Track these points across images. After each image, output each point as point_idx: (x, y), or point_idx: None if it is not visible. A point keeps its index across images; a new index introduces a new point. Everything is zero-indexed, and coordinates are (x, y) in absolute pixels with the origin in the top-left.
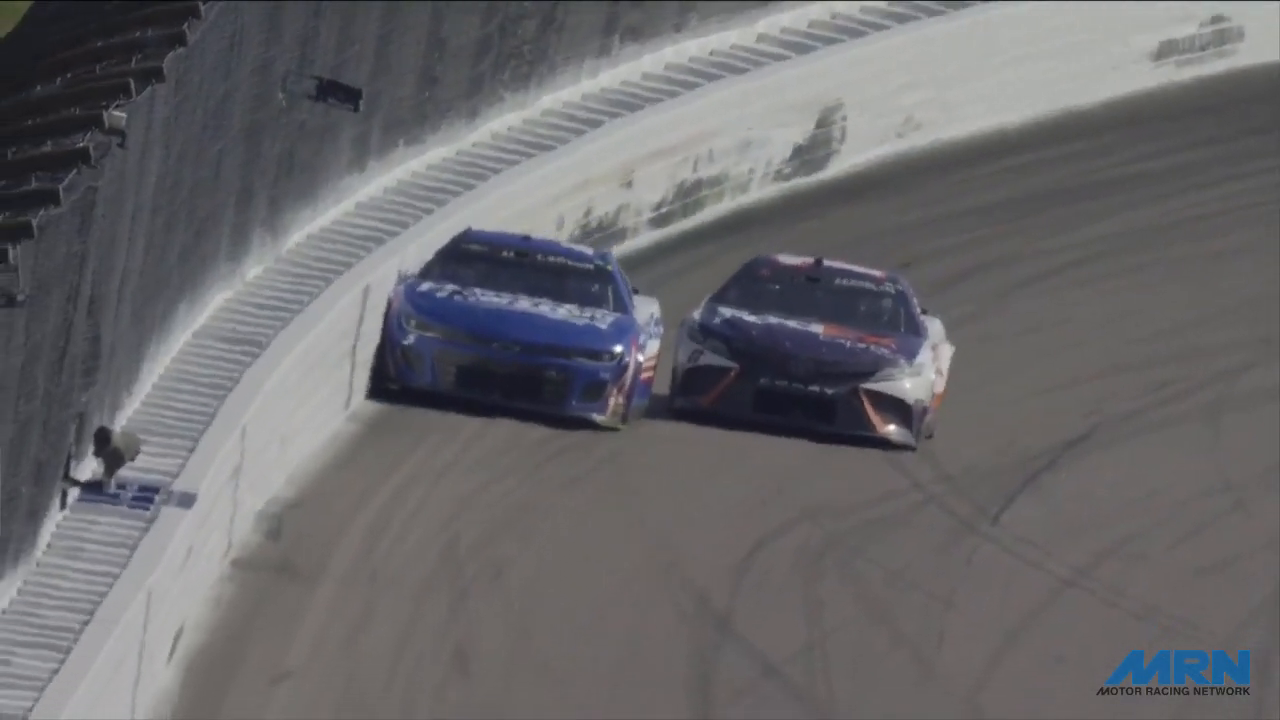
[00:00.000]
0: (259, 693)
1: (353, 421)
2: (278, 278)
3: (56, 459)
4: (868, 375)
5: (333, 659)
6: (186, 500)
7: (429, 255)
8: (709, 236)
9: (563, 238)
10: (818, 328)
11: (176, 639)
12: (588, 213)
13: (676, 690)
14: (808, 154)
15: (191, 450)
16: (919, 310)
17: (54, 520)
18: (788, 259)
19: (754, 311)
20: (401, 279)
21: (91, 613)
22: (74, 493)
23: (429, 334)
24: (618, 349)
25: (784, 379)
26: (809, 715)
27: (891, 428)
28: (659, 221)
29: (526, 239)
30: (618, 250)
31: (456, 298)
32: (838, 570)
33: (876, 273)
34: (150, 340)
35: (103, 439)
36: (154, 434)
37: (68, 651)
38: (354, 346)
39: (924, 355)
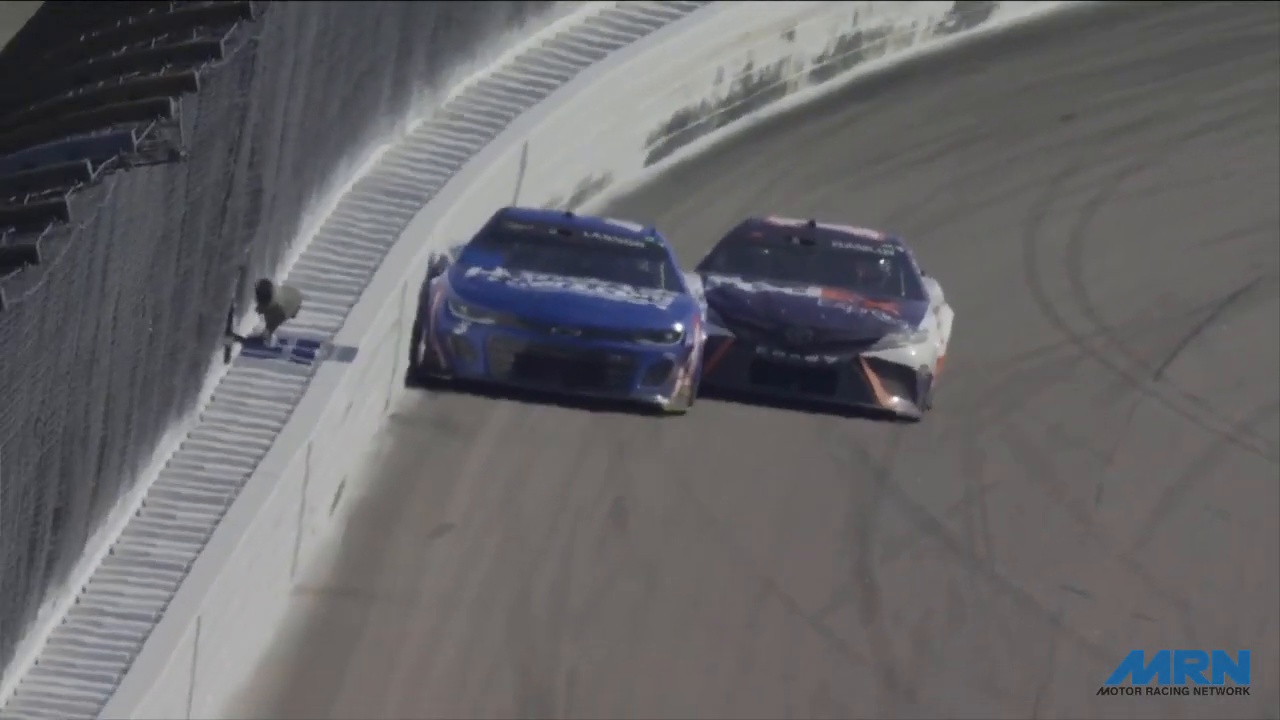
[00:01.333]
0: (419, 546)
1: None
2: (437, 131)
3: (219, 314)
4: (870, 342)
5: (492, 513)
6: (347, 355)
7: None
8: (868, 91)
9: (722, 93)
10: (815, 292)
11: (337, 493)
12: (748, 67)
13: (835, 543)
14: (970, 7)
15: (352, 305)
16: (920, 272)
17: (216, 375)
18: (779, 221)
19: (746, 278)
20: (434, 263)
21: (253, 466)
22: (236, 348)
23: (482, 321)
24: (680, 328)
25: (781, 349)
26: (967, 570)
27: (895, 398)
28: (819, 75)
29: (569, 216)
30: (776, 106)
31: (509, 282)
32: (996, 424)
33: (874, 234)
34: (311, 193)
35: (264, 294)
36: (315, 289)
37: (229, 504)
38: (514, 201)
39: (928, 320)
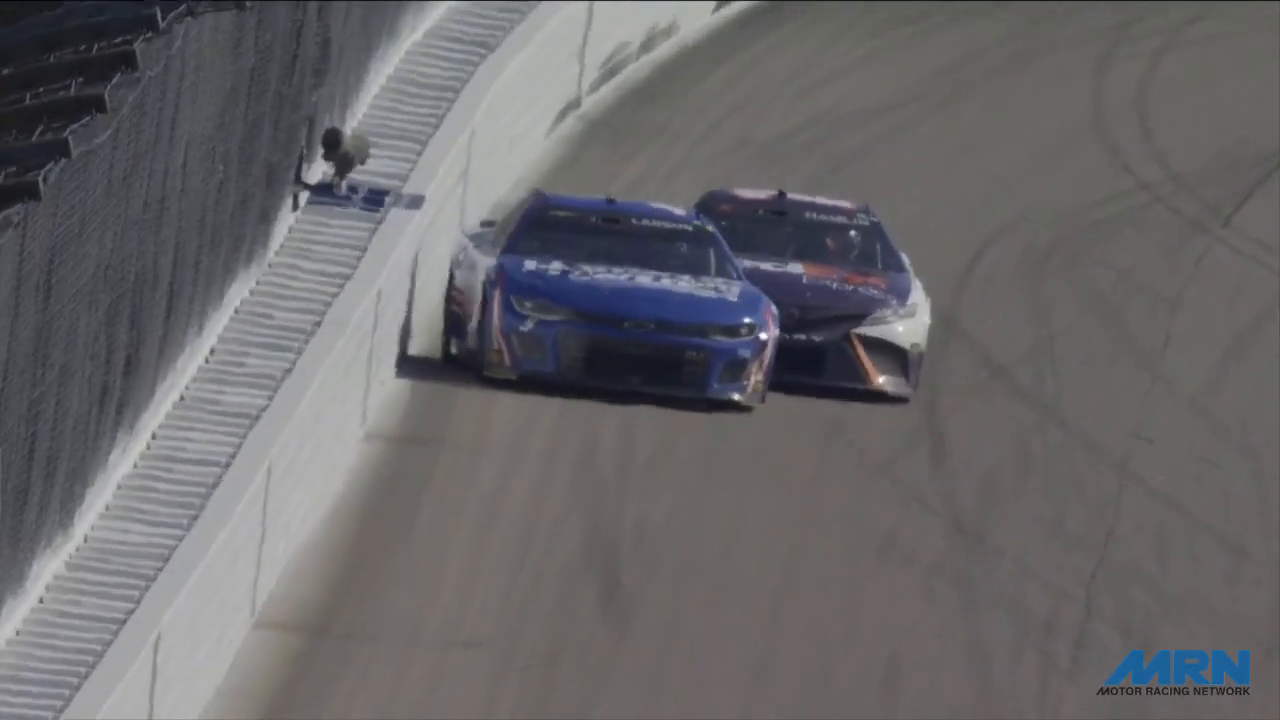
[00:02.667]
0: (487, 395)
1: (580, 121)
2: None
3: (287, 162)
4: (859, 319)
5: None
6: (415, 202)
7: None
8: None
9: None
10: (798, 268)
11: (405, 341)
12: None
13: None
14: None
15: (420, 153)
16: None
17: (285, 222)
18: (746, 192)
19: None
20: (463, 241)
21: (322, 314)
22: (305, 195)
23: (549, 317)
24: (752, 321)
25: None
26: (1036, 417)
27: (886, 377)
28: None
29: (612, 202)
30: None
31: (570, 275)
32: (1064, 271)
33: (846, 203)
34: (379, 42)
35: (333, 142)
36: (383, 137)
37: (299, 352)
38: (581, 48)
39: (916, 294)
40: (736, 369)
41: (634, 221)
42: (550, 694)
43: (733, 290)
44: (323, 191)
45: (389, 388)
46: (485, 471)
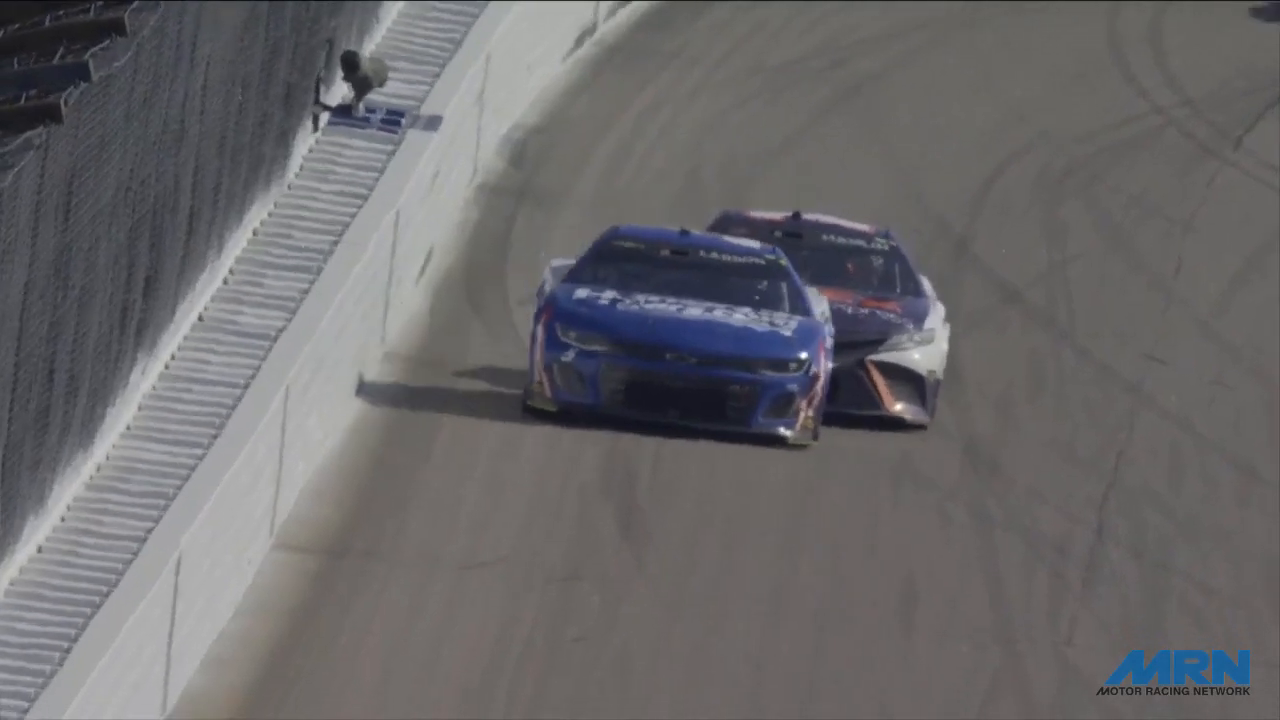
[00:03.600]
0: (505, 316)
1: (596, 46)
2: None
3: (306, 83)
4: (875, 345)
5: None
6: (433, 123)
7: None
8: None
9: None
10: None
11: (425, 262)
12: None
13: None
14: None
15: (438, 75)
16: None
17: (305, 144)
18: (760, 214)
19: None
20: (546, 273)
21: (340, 235)
22: (324, 117)
23: (591, 347)
24: (804, 356)
25: None
26: (1049, 340)
27: (902, 404)
28: None
29: (685, 234)
30: None
31: (619, 305)
32: (1078, 195)
33: (864, 226)
34: None
35: (351, 64)
36: (401, 59)
37: (318, 273)
38: None
39: (933, 320)
40: (784, 404)
41: (703, 254)
42: (569, 613)
43: (790, 324)
44: (341, 113)
45: (408, 307)
46: (505, 393)
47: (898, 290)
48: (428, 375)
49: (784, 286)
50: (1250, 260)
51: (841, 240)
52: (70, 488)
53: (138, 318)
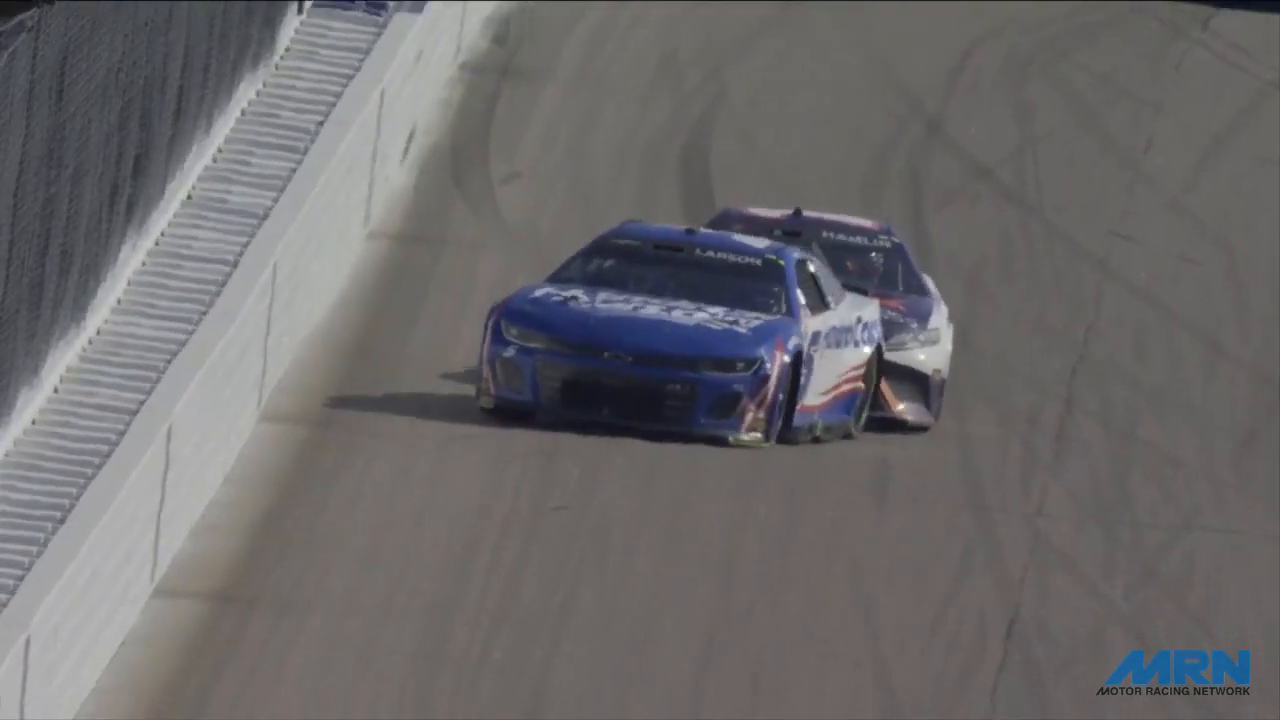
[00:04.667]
0: (488, 193)
1: None
2: None
3: None
4: None
5: (559, 160)
6: (416, 6)
7: None
8: None
9: None
10: None
11: (409, 140)
12: None
13: (892, 193)
14: None
15: None
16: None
17: (291, 25)
18: (759, 211)
19: None
20: None
21: (327, 114)
22: None
23: (530, 345)
24: (755, 356)
25: None
26: (1019, 217)
27: (905, 405)
28: None
29: (691, 232)
30: None
31: (572, 303)
32: (1047, 75)
33: (866, 223)
34: None
35: None
36: None
37: (304, 152)
38: None
39: (938, 318)
40: (727, 404)
41: (698, 253)
42: (549, 484)
43: (752, 323)
44: None
45: (393, 185)
46: (488, 264)
47: (900, 288)
48: (411, 251)
49: (776, 287)
50: (1218, 139)
51: (842, 237)
52: (63, 360)
53: (128, 196)
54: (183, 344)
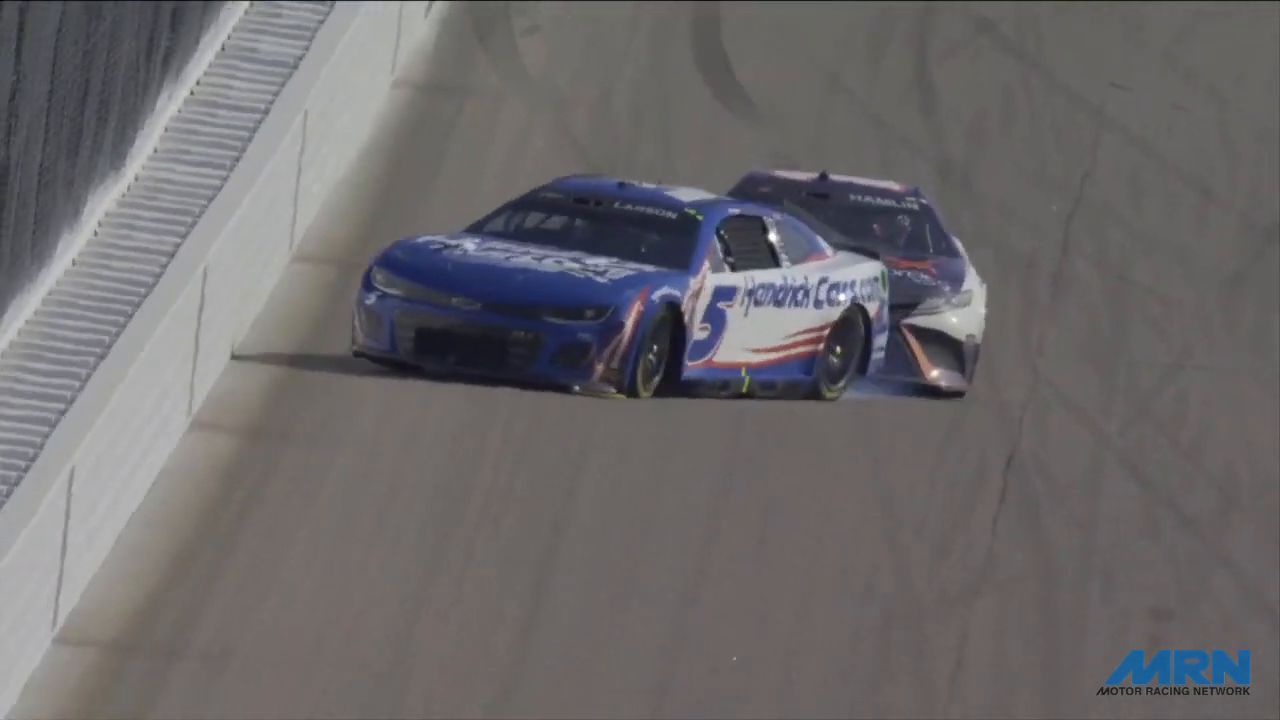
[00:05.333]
0: (511, 45)
1: None
2: None
3: None
4: (909, 308)
5: (577, 16)
6: None
7: None
8: None
9: None
10: None
11: None
12: None
13: (899, 44)
14: None
15: None
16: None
17: None
18: (786, 174)
19: None
20: None
21: None
22: None
23: (390, 291)
24: (607, 305)
25: None
26: (1019, 67)
27: (939, 370)
28: None
29: (623, 185)
30: None
31: (443, 251)
32: None
33: (894, 185)
34: None
35: None
36: None
37: (334, 2)
38: None
39: (970, 281)
40: (575, 354)
41: (615, 206)
42: None
43: (619, 273)
44: None
45: (417, 38)
46: (510, 115)
47: (930, 250)
48: (435, 101)
49: (689, 240)
50: None
51: (869, 200)
52: (102, 205)
53: (165, 47)
54: (217, 190)
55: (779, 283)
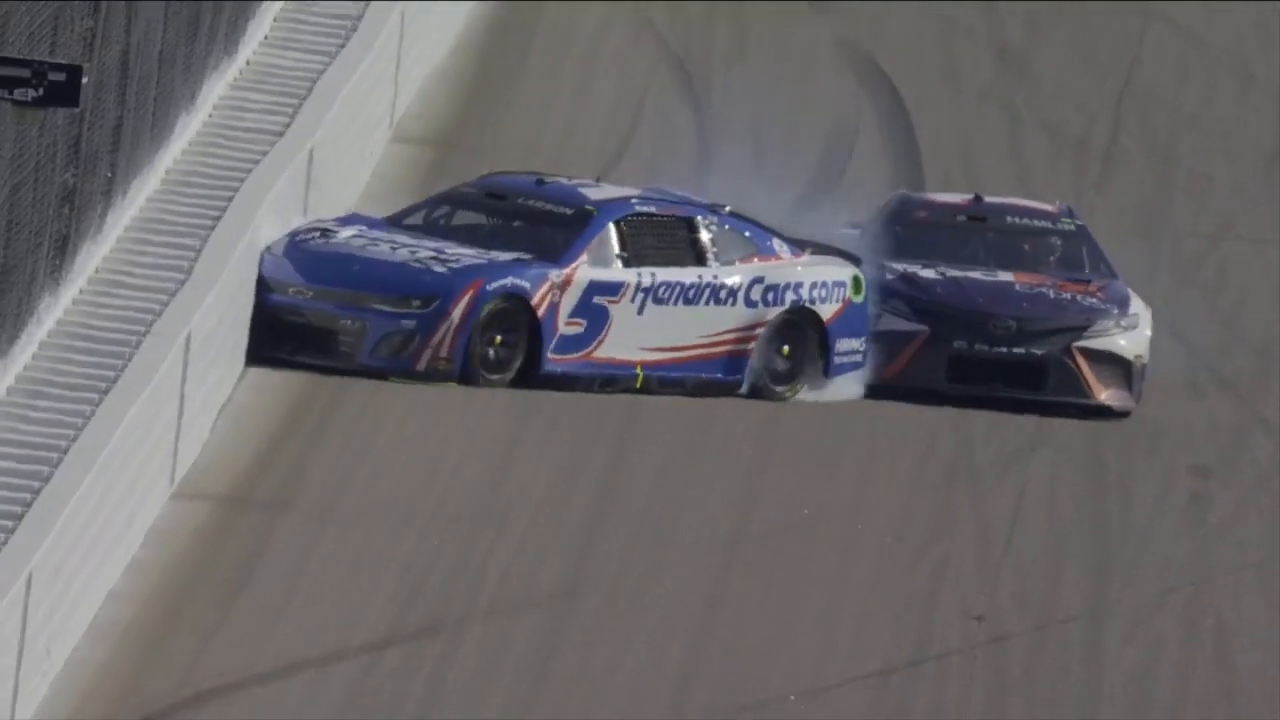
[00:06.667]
0: None
1: None
2: None
3: None
4: (1080, 330)
5: None
6: None
7: None
8: None
9: None
10: (1008, 276)
11: None
12: None
13: None
14: None
15: None
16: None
17: None
18: (941, 197)
19: (914, 260)
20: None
21: None
22: None
23: (265, 285)
24: (434, 294)
25: (983, 341)
26: None
27: (1110, 391)
28: None
29: (540, 182)
30: None
31: (310, 240)
32: None
33: (1048, 206)
34: None
35: None
36: None
37: None
38: None
39: (1136, 303)
40: (399, 343)
41: (520, 201)
42: None
43: (459, 263)
44: None
45: None
46: (590, 10)
47: (1086, 270)
48: (520, 7)
49: (575, 234)
50: None
51: (1025, 221)
52: (216, 89)
53: None
54: (321, 73)
55: (692, 281)
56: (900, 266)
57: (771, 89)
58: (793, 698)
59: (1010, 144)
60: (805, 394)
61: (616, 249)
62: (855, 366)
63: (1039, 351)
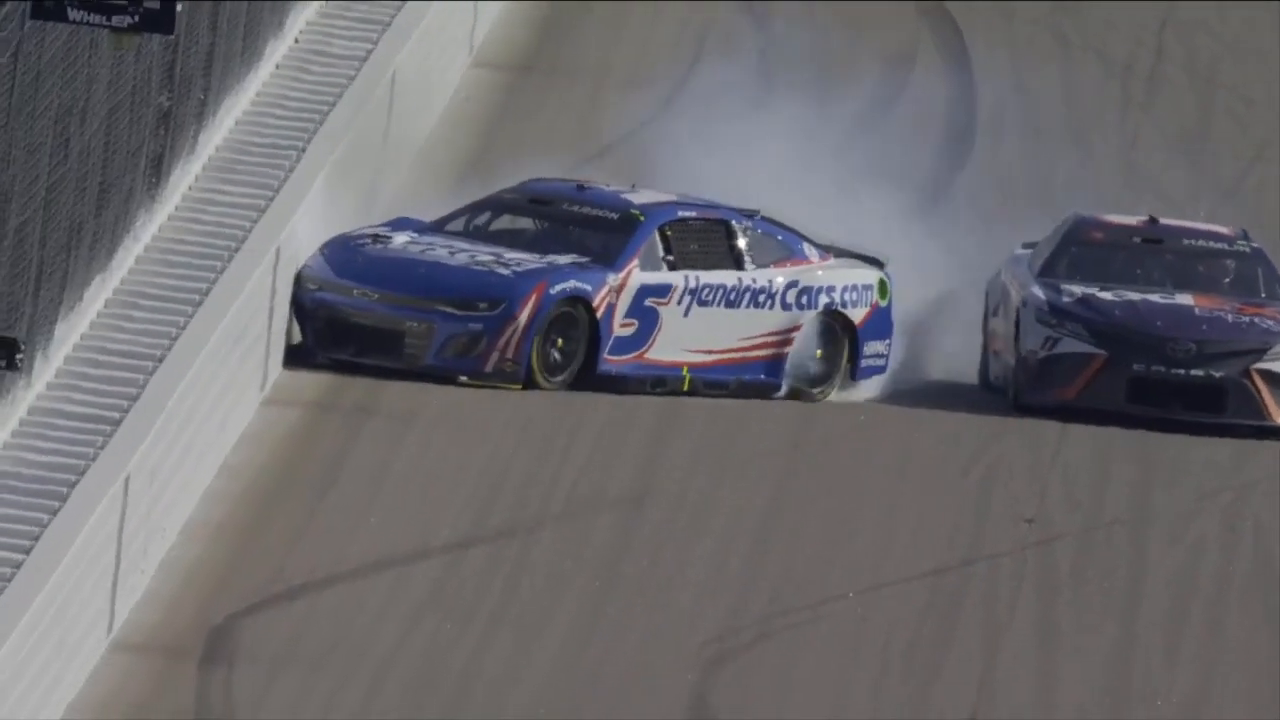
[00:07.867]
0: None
1: None
2: None
3: None
4: (1259, 353)
5: None
6: None
7: None
8: None
9: None
10: (1186, 299)
11: None
12: None
13: None
14: None
15: None
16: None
17: None
18: (1116, 218)
19: (1089, 282)
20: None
21: None
22: None
23: (310, 286)
24: (501, 297)
25: (1161, 364)
26: None
27: None
28: None
29: (582, 188)
30: None
31: (368, 245)
32: None
33: (1223, 229)
34: None
35: None
36: None
37: None
38: None
39: None
40: (466, 345)
41: (565, 207)
42: None
43: (521, 267)
44: None
45: None
46: None
47: (1263, 294)
48: None
49: (623, 239)
50: None
51: (1201, 243)
52: (303, 15)
53: None
54: (404, 1)
55: (733, 285)
56: (1078, 290)
57: (834, 13)
58: (851, 594)
59: (1060, 69)
60: (832, 396)
61: (662, 252)
62: (880, 370)
63: (1218, 374)
